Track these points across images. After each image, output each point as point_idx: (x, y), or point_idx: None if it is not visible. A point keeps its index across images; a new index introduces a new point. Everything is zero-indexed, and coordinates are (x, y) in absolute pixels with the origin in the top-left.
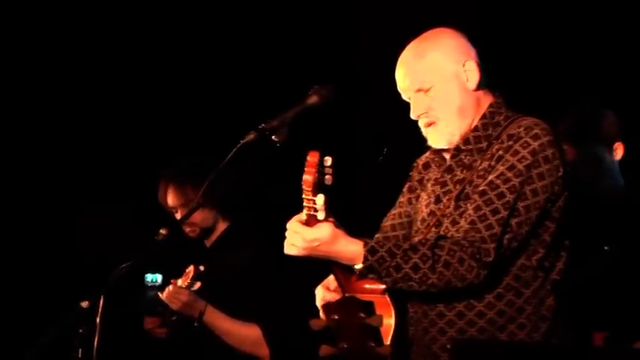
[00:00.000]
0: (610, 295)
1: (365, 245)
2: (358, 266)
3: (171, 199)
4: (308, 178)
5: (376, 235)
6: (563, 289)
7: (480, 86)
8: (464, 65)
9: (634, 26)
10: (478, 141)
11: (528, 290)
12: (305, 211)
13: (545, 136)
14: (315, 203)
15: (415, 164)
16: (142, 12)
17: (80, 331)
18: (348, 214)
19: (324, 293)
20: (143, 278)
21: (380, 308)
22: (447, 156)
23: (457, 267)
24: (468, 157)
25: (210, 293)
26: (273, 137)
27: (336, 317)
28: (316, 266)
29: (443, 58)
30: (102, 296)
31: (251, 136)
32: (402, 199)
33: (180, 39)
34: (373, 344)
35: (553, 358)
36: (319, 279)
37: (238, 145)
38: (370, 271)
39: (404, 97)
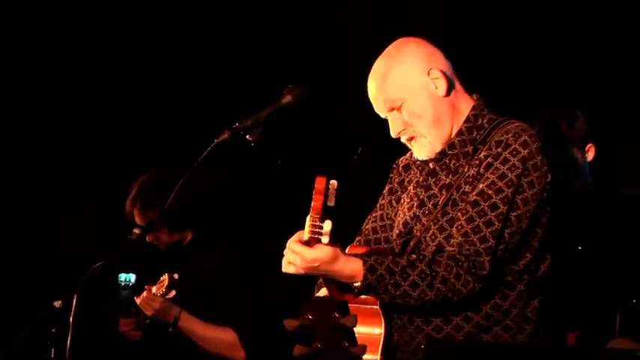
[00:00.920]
0: (582, 295)
1: (364, 264)
2: (357, 284)
3: (137, 220)
4: (317, 204)
5: (358, 238)
6: (543, 289)
7: (451, 91)
8: (429, 74)
9: (598, 27)
10: (463, 145)
11: (514, 293)
12: (308, 233)
13: (533, 143)
14: (321, 228)
15: (395, 165)
16: (131, 20)
17: (53, 330)
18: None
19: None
20: (117, 277)
21: (370, 318)
22: (431, 162)
23: (454, 282)
24: (454, 162)
25: (184, 298)
26: (247, 137)
27: (310, 317)
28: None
29: (407, 71)
30: (75, 295)
31: (225, 136)
32: (382, 201)
33: (163, 43)
34: (347, 344)
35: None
36: (292, 280)
37: (213, 145)
38: (369, 289)
39: (381, 116)
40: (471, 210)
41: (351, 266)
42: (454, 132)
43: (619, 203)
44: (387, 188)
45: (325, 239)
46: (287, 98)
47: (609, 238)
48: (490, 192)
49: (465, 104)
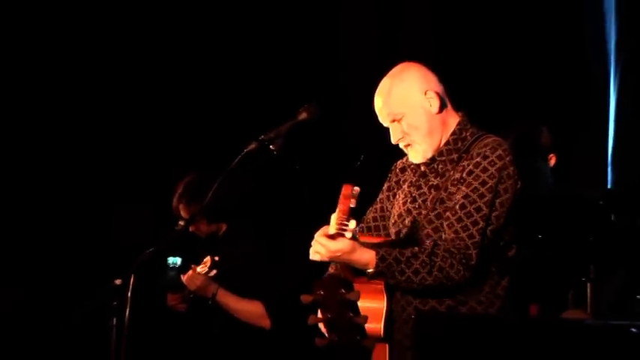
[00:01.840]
0: (542, 274)
1: (377, 254)
2: (370, 270)
3: (182, 213)
4: (344, 207)
5: (360, 225)
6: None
7: (442, 109)
8: (425, 94)
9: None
10: (450, 153)
11: (488, 274)
12: (335, 229)
13: (507, 156)
14: (346, 225)
15: (393, 167)
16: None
17: (114, 303)
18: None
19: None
20: (165, 260)
21: (375, 294)
22: (422, 165)
23: (448, 271)
24: (441, 166)
25: (220, 277)
26: (271, 146)
27: (321, 292)
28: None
29: (408, 91)
30: (132, 275)
31: (253, 145)
32: (381, 196)
33: (204, 60)
34: (352, 315)
35: (498, 328)
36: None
37: (242, 153)
38: (380, 274)
39: (384, 125)
40: (459, 211)
41: (366, 256)
42: (443, 142)
43: (571, 201)
44: (385, 185)
45: (349, 235)
46: (303, 115)
47: (563, 229)
48: (474, 196)
49: (453, 120)
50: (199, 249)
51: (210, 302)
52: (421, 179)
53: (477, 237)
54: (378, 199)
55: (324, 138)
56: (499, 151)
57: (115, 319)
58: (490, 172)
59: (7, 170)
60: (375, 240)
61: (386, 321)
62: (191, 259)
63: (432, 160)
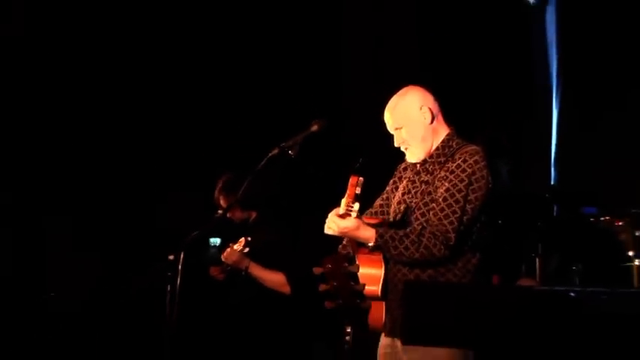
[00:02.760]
0: (501, 251)
1: (376, 232)
2: (371, 244)
3: (221, 203)
4: (351, 192)
5: (369, 210)
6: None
7: (434, 121)
8: (421, 109)
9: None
10: (439, 157)
11: (462, 253)
12: (344, 210)
13: (481, 162)
14: (352, 208)
15: (398, 167)
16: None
17: (169, 274)
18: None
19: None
20: (208, 241)
21: (375, 263)
22: (418, 165)
23: (432, 249)
24: (431, 167)
25: (253, 253)
26: (289, 152)
27: (329, 266)
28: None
29: (408, 108)
30: (182, 252)
31: (275, 151)
32: (387, 188)
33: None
34: (352, 283)
35: (470, 294)
36: (322, 246)
37: (267, 157)
38: (378, 248)
39: (390, 131)
40: (442, 203)
41: (368, 233)
42: (433, 147)
43: (524, 195)
44: (391, 180)
45: (354, 214)
46: (314, 127)
47: (518, 216)
48: (454, 191)
49: (443, 130)
50: (235, 232)
51: (243, 273)
52: (416, 176)
53: (456, 223)
54: (384, 191)
55: (330, 145)
56: (475, 157)
57: (169, 286)
58: (467, 172)
59: (90, 164)
60: (376, 220)
61: (383, 284)
62: (228, 240)
63: (425, 161)
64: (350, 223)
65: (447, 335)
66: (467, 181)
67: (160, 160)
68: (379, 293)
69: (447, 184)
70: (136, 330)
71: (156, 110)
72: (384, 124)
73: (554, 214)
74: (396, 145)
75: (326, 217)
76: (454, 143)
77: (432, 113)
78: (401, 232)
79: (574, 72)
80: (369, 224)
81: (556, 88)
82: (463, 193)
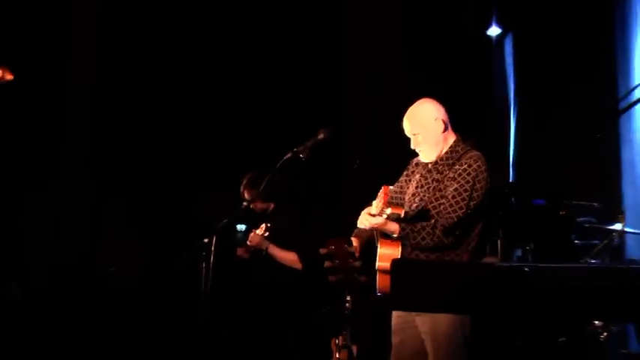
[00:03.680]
0: None
1: (400, 227)
2: (395, 236)
3: (246, 196)
4: (384, 199)
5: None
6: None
7: (446, 130)
8: (435, 120)
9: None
10: (448, 159)
11: (464, 239)
12: (376, 210)
13: (483, 166)
14: (384, 211)
15: (411, 161)
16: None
17: (203, 254)
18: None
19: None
20: (236, 227)
21: (393, 245)
22: (430, 164)
23: (442, 239)
24: (442, 167)
25: (272, 237)
26: (300, 155)
27: (333, 247)
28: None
29: (424, 117)
30: (214, 236)
31: (289, 154)
32: (401, 178)
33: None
34: (352, 261)
35: (444, 270)
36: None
37: (282, 160)
38: (400, 238)
39: (407, 135)
40: (451, 200)
41: (393, 227)
42: (443, 151)
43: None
44: (405, 172)
45: (384, 216)
46: (321, 135)
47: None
48: (461, 190)
49: (451, 137)
50: (257, 219)
51: (264, 253)
52: (427, 173)
53: (462, 216)
54: (399, 180)
55: (333, 149)
56: (479, 162)
57: (203, 264)
58: (472, 175)
59: (146, 165)
60: (400, 211)
61: None
62: (252, 226)
63: (436, 162)
64: (379, 220)
65: (425, 302)
66: (472, 183)
67: (199, 164)
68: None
69: (455, 184)
70: (178, 301)
71: (198, 125)
72: (399, 129)
73: (512, 205)
74: (412, 147)
75: (328, 209)
76: (460, 148)
77: (444, 124)
78: (419, 226)
79: (528, 90)
80: (394, 215)
81: (513, 103)
82: (468, 193)
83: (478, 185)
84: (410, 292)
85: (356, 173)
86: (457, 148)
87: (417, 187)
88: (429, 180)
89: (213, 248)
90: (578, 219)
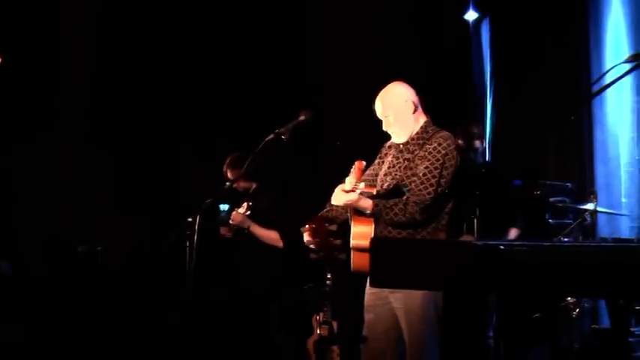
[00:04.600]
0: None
1: (373, 203)
2: (368, 212)
3: (229, 176)
4: (357, 175)
5: (363, 178)
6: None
7: (416, 111)
8: (406, 102)
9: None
10: (419, 139)
11: (435, 216)
12: (350, 186)
13: (452, 144)
14: (357, 186)
15: (384, 145)
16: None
17: (188, 232)
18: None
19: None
20: (218, 207)
21: (366, 222)
22: (401, 145)
23: (414, 214)
24: (412, 147)
25: (254, 216)
26: (282, 137)
27: (313, 226)
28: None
29: (395, 99)
30: (198, 215)
31: (271, 136)
32: (376, 161)
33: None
34: (332, 238)
35: (422, 247)
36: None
37: (265, 140)
38: (374, 215)
39: (380, 117)
40: (422, 177)
41: (366, 203)
42: (414, 132)
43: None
44: (378, 156)
45: (358, 192)
46: (302, 117)
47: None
48: (431, 167)
49: (422, 118)
50: (239, 199)
51: (246, 231)
52: (399, 154)
53: (433, 193)
54: (373, 164)
55: (314, 132)
56: (448, 141)
57: (187, 242)
58: (442, 153)
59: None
60: (373, 190)
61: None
62: (235, 206)
63: (407, 142)
64: (353, 196)
65: (403, 280)
66: (441, 161)
67: (184, 148)
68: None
69: (426, 162)
70: (164, 276)
71: (184, 107)
72: (373, 111)
73: (489, 185)
74: (384, 128)
75: (312, 189)
76: (430, 129)
77: (414, 105)
78: (391, 202)
79: (504, 73)
80: (367, 194)
81: (489, 85)
82: (438, 171)
83: (448, 163)
84: (388, 270)
85: (336, 153)
86: (428, 128)
87: (389, 167)
88: (401, 160)
89: (197, 227)
90: (551, 199)
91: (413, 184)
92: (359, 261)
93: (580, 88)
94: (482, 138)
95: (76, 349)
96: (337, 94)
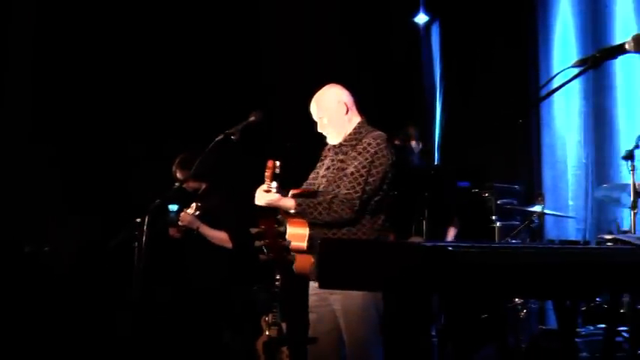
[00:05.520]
0: (396, 215)
1: (295, 202)
2: (292, 211)
3: (178, 176)
4: (269, 174)
5: (305, 182)
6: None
7: (349, 112)
8: (339, 103)
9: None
10: (351, 140)
11: (369, 217)
12: (266, 187)
13: (383, 144)
14: (271, 186)
15: (325, 148)
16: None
17: (136, 233)
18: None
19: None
20: (167, 207)
21: (301, 224)
22: (336, 146)
23: (340, 213)
24: (346, 148)
25: (203, 216)
26: (232, 137)
27: (263, 227)
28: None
29: (329, 101)
30: (147, 215)
31: (221, 136)
32: (319, 164)
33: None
34: (281, 240)
35: (373, 248)
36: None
37: (215, 141)
38: (298, 214)
39: (314, 119)
40: (350, 176)
41: (288, 203)
42: (347, 133)
43: (414, 171)
44: (320, 158)
45: (274, 190)
46: (252, 117)
47: (410, 188)
48: (360, 167)
49: (356, 119)
50: (188, 199)
51: (195, 232)
52: (335, 156)
53: (360, 192)
54: (316, 166)
55: (264, 133)
56: (378, 140)
57: (136, 243)
58: (371, 152)
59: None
60: (301, 190)
61: (309, 240)
62: (184, 206)
63: (341, 144)
64: (272, 196)
65: (353, 281)
66: (370, 160)
67: (134, 147)
68: (305, 248)
69: (355, 162)
70: (113, 277)
71: (134, 106)
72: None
73: (437, 186)
74: (319, 130)
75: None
76: (363, 130)
77: (346, 107)
78: (315, 201)
79: (453, 75)
80: (292, 195)
81: (439, 88)
82: (366, 169)
83: (377, 162)
84: (337, 271)
85: (287, 154)
86: (361, 129)
87: (325, 170)
88: (335, 161)
89: (146, 228)
90: (499, 201)
91: (343, 183)
92: (298, 262)
93: (529, 92)
94: (418, 139)
95: (20, 349)
96: (289, 95)
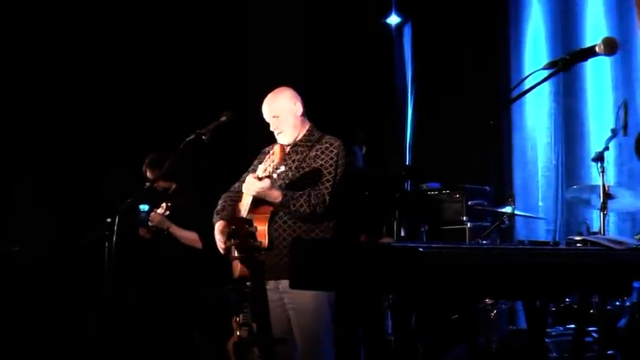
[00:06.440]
0: (368, 216)
1: (282, 193)
2: (278, 201)
3: (149, 176)
4: (281, 157)
5: (232, 186)
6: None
7: (303, 115)
8: (295, 105)
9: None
10: (306, 141)
11: (325, 217)
12: (261, 174)
13: (341, 146)
14: (277, 171)
15: (263, 150)
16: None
17: (107, 233)
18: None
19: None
20: (138, 207)
21: (262, 221)
22: (288, 147)
23: (315, 207)
24: (300, 149)
25: (173, 216)
26: (203, 137)
27: (233, 227)
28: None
29: (284, 101)
30: (117, 216)
31: (192, 136)
32: (255, 162)
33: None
34: (252, 240)
35: (344, 249)
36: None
37: (186, 141)
38: (282, 205)
39: (267, 120)
40: (319, 173)
41: (276, 193)
42: (301, 135)
43: (384, 173)
44: (256, 160)
45: (275, 176)
46: (224, 117)
47: (381, 189)
48: (327, 165)
49: (307, 123)
50: (159, 199)
51: (165, 232)
52: (287, 156)
53: (330, 189)
54: (253, 165)
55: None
56: (338, 142)
57: (106, 243)
58: (334, 152)
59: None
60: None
61: (269, 237)
62: (154, 206)
63: (295, 145)
64: (266, 184)
65: (325, 281)
66: (335, 159)
67: (104, 143)
68: (266, 244)
69: (320, 161)
70: (82, 277)
71: (105, 105)
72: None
73: (408, 188)
74: (272, 129)
75: (228, 187)
76: (316, 133)
77: (302, 108)
78: (297, 193)
79: (424, 77)
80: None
81: (410, 89)
82: (333, 167)
83: (340, 162)
84: (308, 271)
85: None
86: (313, 132)
87: (285, 170)
88: (289, 162)
89: (116, 228)
90: (470, 201)
91: (312, 182)
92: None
93: (500, 93)
94: (364, 144)
95: None
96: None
